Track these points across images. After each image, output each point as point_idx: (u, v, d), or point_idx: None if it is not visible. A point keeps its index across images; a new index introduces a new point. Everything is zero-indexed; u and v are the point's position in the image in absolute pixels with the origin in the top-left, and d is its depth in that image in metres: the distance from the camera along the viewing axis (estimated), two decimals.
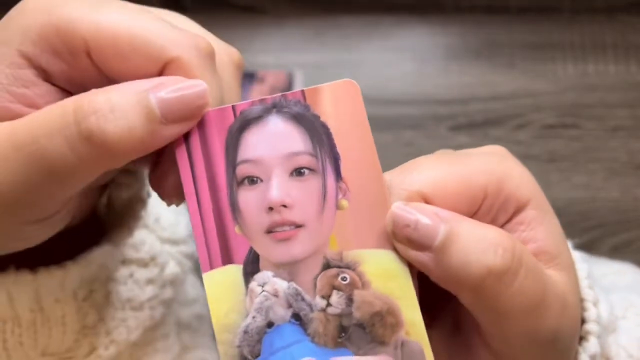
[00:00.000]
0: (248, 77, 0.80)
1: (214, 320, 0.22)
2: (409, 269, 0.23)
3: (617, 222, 0.78)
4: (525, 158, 0.80)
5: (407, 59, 0.82)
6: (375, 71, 0.81)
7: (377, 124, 0.79)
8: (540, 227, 0.24)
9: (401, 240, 0.22)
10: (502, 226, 0.24)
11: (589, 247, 0.77)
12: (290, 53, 0.82)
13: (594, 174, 0.79)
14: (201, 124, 0.23)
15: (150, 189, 0.28)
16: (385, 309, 0.22)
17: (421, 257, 0.22)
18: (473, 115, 0.80)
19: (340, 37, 0.83)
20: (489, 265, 0.22)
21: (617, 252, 0.77)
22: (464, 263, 0.22)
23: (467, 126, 0.80)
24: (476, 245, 0.22)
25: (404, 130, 0.80)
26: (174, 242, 0.35)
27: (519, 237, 0.24)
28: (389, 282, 0.22)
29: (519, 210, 0.24)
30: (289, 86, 0.81)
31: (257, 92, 0.81)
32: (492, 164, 0.24)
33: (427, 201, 0.23)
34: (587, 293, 0.26)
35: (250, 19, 0.83)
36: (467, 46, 0.83)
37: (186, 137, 0.23)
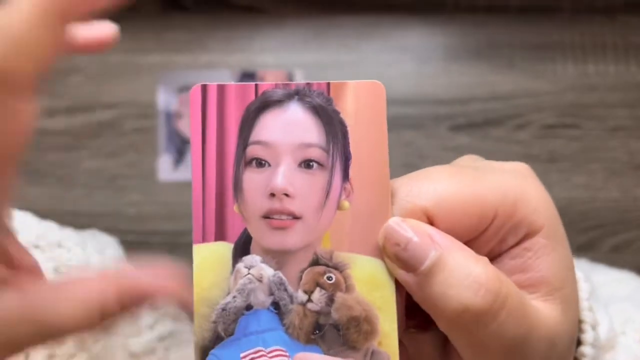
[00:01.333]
0: (248, 77, 0.80)
1: (195, 292, 0.22)
2: (397, 283, 0.23)
3: (617, 222, 0.78)
4: (525, 158, 0.80)
5: (407, 59, 0.82)
6: (375, 71, 0.81)
7: None
8: (548, 257, 0.23)
9: (390, 257, 0.22)
10: (509, 249, 0.24)
11: (589, 247, 0.77)
12: (290, 53, 0.82)
13: (594, 174, 0.79)
14: (221, 96, 0.23)
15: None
16: (363, 315, 0.22)
17: (405, 277, 0.22)
18: (473, 115, 0.80)
19: (340, 37, 0.83)
20: (467, 303, 0.21)
21: (617, 252, 0.77)
22: (444, 295, 0.21)
23: (467, 126, 0.80)
24: (460, 280, 0.21)
25: (403, 130, 0.80)
26: None
27: (524, 263, 0.23)
28: (373, 290, 0.22)
29: (529, 235, 0.24)
30: None
31: None
32: (510, 183, 0.23)
33: (430, 216, 0.23)
34: (586, 315, 0.25)
35: (250, 19, 0.83)
36: (467, 46, 0.83)
37: (204, 105, 0.23)
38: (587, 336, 0.25)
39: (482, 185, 0.23)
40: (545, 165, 0.79)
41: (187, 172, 0.80)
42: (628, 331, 0.29)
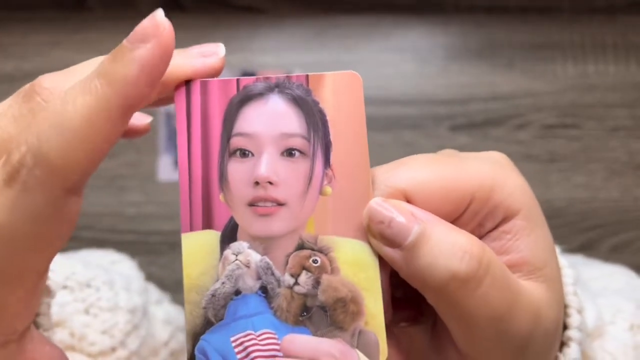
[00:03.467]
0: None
1: (185, 280, 0.23)
2: (382, 264, 0.23)
3: (617, 222, 0.78)
4: (525, 158, 0.80)
5: (407, 59, 0.82)
6: (375, 71, 0.81)
7: (377, 124, 0.79)
8: (527, 238, 0.24)
9: (375, 235, 0.23)
10: (488, 232, 0.24)
11: (588, 247, 0.77)
12: (290, 53, 0.82)
13: (594, 174, 0.79)
14: (204, 91, 0.24)
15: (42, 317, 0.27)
16: (349, 296, 0.23)
17: (392, 254, 0.23)
18: (473, 116, 0.80)
19: (340, 37, 0.83)
20: (453, 270, 0.22)
21: (617, 252, 0.77)
22: (430, 265, 0.22)
23: (467, 126, 0.80)
24: (445, 250, 0.22)
25: (403, 130, 0.80)
26: (104, 353, 0.36)
27: (504, 245, 0.24)
28: (358, 272, 0.23)
29: (507, 219, 0.24)
30: None
31: None
32: (486, 170, 0.24)
33: (409, 200, 0.23)
34: (571, 300, 0.26)
35: (250, 19, 0.83)
36: (467, 46, 0.83)
37: (188, 100, 0.24)
38: (573, 320, 0.26)
39: (459, 171, 0.24)
40: (545, 165, 0.79)
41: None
42: (618, 321, 0.30)
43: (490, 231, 0.24)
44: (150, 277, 0.45)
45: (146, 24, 0.22)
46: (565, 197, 0.78)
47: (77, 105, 0.20)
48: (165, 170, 0.79)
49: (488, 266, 0.22)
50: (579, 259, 0.44)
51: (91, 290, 0.37)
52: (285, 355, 0.23)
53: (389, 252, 0.23)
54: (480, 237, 0.25)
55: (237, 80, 0.24)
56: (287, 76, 0.24)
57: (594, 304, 0.29)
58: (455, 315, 0.23)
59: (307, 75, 0.24)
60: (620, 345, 0.28)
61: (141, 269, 0.46)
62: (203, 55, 0.24)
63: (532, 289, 0.24)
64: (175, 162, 0.80)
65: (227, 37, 0.82)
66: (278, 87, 0.24)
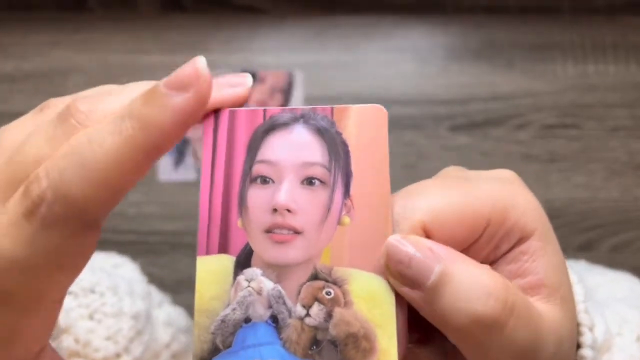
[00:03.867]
0: None
1: (196, 303, 0.23)
2: (399, 301, 0.23)
3: (617, 222, 0.78)
4: (525, 158, 0.80)
5: (407, 59, 0.82)
6: (375, 71, 0.81)
7: None
8: (543, 259, 0.24)
9: (394, 275, 0.22)
10: (504, 254, 0.24)
11: (588, 247, 0.77)
12: (290, 53, 0.82)
13: (594, 174, 0.79)
14: (232, 120, 0.24)
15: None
16: (362, 332, 0.22)
17: (411, 294, 0.22)
18: (473, 116, 0.80)
19: (340, 37, 0.83)
20: (478, 314, 0.21)
21: (617, 252, 0.77)
22: (452, 307, 0.21)
23: (467, 126, 0.80)
24: (468, 291, 0.21)
25: (403, 130, 0.80)
26: (108, 359, 0.36)
27: (521, 267, 0.24)
28: (372, 307, 0.23)
29: (522, 240, 0.24)
30: (289, 86, 0.81)
31: (258, 92, 0.81)
32: (498, 191, 0.24)
33: (426, 230, 0.23)
34: (583, 317, 0.26)
35: (250, 19, 0.83)
36: (467, 46, 0.83)
37: (215, 128, 0.24)
38: (586, 338, 0.25)
39: (473, 195, 0.23)
40: (545, 165, 0.79)
41: (187, 172, 0.80)
42: (624, 332, 0.30)
43: (505, 253, 0.24)
44: (150, 277, 0.45)
45: (186, 71, 0.21)
46: (565, 197, 0.78)
47: (104, 145, 0.20)
48: (166, 170, 0.79)
49: (513, 306, 0.22)
50: (582, 265, 0.44)
51: (95, 296, 0.37)
52: None
53: (408, 292, 0.22)
54: (496, 260, 0.24)
55: (264, 110, 0.25)
56: (313, 108, 0.24)
57: (602, 316, 0.29)
58: (478, 355, 0.22)
59: (332, 108, 0.24)
60: (628, 357, 0.28)
61: (142, 270, 0.46)
62: (231, 86, 0.24)
63: (552, 314, 0.23)
64: (175, 162, 0.80)
65: (227, 37, 0.82)
66: (303, 117, 0.24)
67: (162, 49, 0.80)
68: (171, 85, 0.21)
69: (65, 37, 0.82)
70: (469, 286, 0.21)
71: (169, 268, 0.75)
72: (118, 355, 0.36)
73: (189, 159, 0.80)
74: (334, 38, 0.83)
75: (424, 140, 0.80)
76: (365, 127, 0.24)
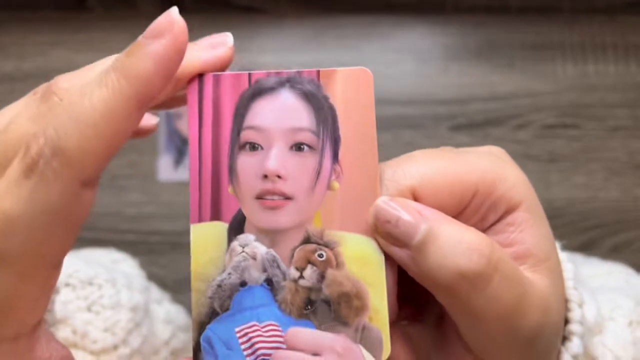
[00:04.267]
0: None
1: (192, 268, 0.24)
2: (387, 260, 0.24)
3: (617, 222, 0.78)
4: (525, 158, 0.80)
5: (407, 59, 0.82)
6: (375, 71, 0.81)
7: (377, 124, 0.79)
8: (530, 230, 0.24)
9: (382, 234, 0.23)
10: (491, 225, 0.25)
11: (588, 247, 0.77)
12: (290, 53, 0.82)
13: (594, 174, 0.79)
14: (217, 85, 0.24)
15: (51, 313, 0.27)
16: (354, 291, 0.23)
17: (399, 253, 0.23)
18: (473, 115, 0.80)
19: (340, 37, 0.83)
20: (462, 269, 0.22)
21: (617, 252, 0.77)
22: (438, 264, 0.22)
23: (467, 126, 0.80)
24: (452, 248, 0.22)
25: (403, 130, 0.80)
26: (106, 351, 0.36)
27: (508, 238, 0.24)
28: (363, 267, 0.23)
29: (509, 211, 0.24)
30: None
31: None
32: (487, 164, 0.24)
33: (416, 196, 0.24)
34: (571, 294, 0.26)
35: (250, 19, 0.83)
36: (466, 46, 0.83)
37: (200, 94, 0.24)
38: (575, 314, 0.26)
39: (463, 165, 0.24)
40: (545, 165, 0.79)
41: (187, 172, 0.80)
42: (617, 317, 0.30)
43: (493, 224, 0.25)
44: (150, 276, 0.46)
45: (161, 20, 0.22)
46: (565, 197, 0.78)
47: (93, 98, 0.21)
48: (165, 170, 0.79)
49: (497, 263, 0.22)
50: (578, 258, 0.44)
51: (93, 288, 0.37)
52: (289, 348, 0.23)
53: (396, 251, 0.23)
54: (484, 231, 0.25)
55: (249, 74, 0.24)
56: (298, 71, 0.24)
57: (594, 299, 0.29)
58: (465, 313, 0.23)
59: (319, 71, 0.24)
60: (620, 341, 0.28)
61: (142, 269, 0.46)
62: (212, 47, 0.24)
63: (539, 282, 0.24)
64: (175, 162, 0.80)
65: None
66: (289, 81, 0.24)
67: None
68: (148, 35, 0.22)
69: (65, 37, 0.82)
70: (454, 243, 0.22)
71: (169, 268, 0.75)
72: (116, 346, 0.37)
73: (188, 159, 0.80)
74: (333, 38, 0.83)
75: (424, 140, 0.80)
76: (352, 91, 0.24)
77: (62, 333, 0.35)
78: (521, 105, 0.80)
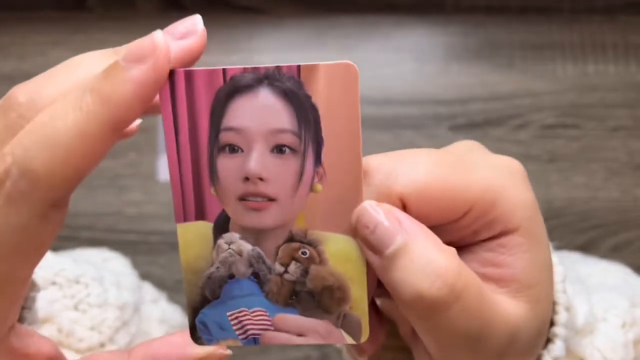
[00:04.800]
0: None
1: (182, 263, 0.24)
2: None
3: (616, 222, 0.78)
4: (525, 158, 0.80)
5: (407, 59, 0.82)
6: (375, 71, 0.81)
7: (377, 124, 0.79)
8: (522, 255, 0.24)
9: (360, 237, 0.23)
10: (484, 241, 0.24)
11: (588, 247, 0.77)
12: (290, 53, 0.82)
13: (594, 174, 0.79)
14: (189, 81, 0.23)
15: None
16: (336, 285, 0.24)
17: (372, 259, 0.23)
18: (473, 116, 0.80)
19: (340, 37, 0.83)
20: (422, 292, 0.22)
21: (617, 252, 0.77)
22: (401, 280, 0.22)
23: (467, 126, 0.80)
24: (419, 268, 0.22)
25: (403, 130, 0.80)
26: (93, 349, 0.36)
27: (497, 258, 0.24)
28: (345, 263, 0.24)
29: (504, 233, 0.24)
30: None
31: None
32: (490, 182, 0.24)
33: (404, 202, 0.23)
34: (559, 297, 0.26)
35: (250, 19, 0.83)
36: (467, 46, 0.83)
37: (172, 90, 0.23)
38: (560, 317, 0.26)
39: (462, 179, 0.23)
40: (545, 165, 0.79)
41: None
42: (610, 317, 0.30)
43: (485, 241, 0.24)
44: (150, 276, 0.46)
45: (143, 43, 0.21)
46: (565, 197, 0.78)
47: (67, 121, 0.20)
48: (165, 170, 0.79)
49: (460, 294, 0.22)
50: (577, 256, 0.44)
51: (80, 287, 0.37)
52: (276, 330, 0.24)
53: (370, 256, 0.23)
54: (474, 244, 0.24)
55: (224, 70, 0.23)
56: (277, 67, 0.23)
57: (587, 300, 0.29)
58: (423, 333, 0.23)
59: (299, 66, 0.23)
60: (610, 342, 0.28)
61: (140, 268, 0.46)
62: (181, 37, 0.22)
63: (511, 310, 0.23)
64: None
65: (227, 37, 0.82)
66: (268, 79, 0.23)
67: None
68: (128, 58, 0.21)
69: (65, 37, 0.82)
70: (423, 264, 0.22)
71: (169, 268, 0.75)
72: (102, 344, 0.37)
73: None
74: (334, 38, 0.83)
75: (424, 140, 0.80)
76: (335, 87, 0.22)
77: (47, 332, 0.35)
78: (521, 105, 0.80)
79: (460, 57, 0.82)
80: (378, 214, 0.23)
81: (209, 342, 0.25)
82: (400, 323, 0.29)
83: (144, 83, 0.21)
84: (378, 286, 0.25)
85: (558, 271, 0.26)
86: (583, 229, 0.78)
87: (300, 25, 0.83)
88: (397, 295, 0.23)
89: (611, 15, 0.83)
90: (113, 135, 0.21)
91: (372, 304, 0.26)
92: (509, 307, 0.23)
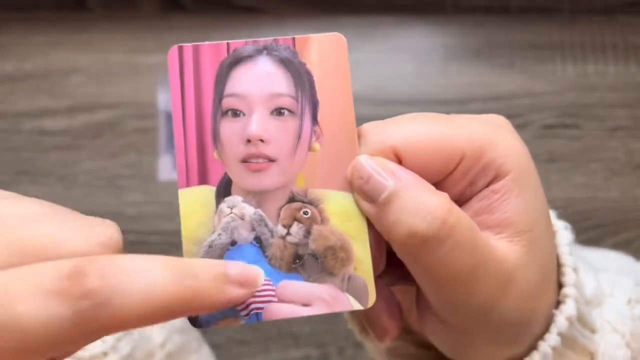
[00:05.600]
0: None
1: (183, 232, 0.25)
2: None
3: (616, 221, 0.78)
4: None
5: (407, 59, 0.82)
6: (375, 71, 0.81)
7: None
8: (515, 200, 0.24)
9: (355, 189, 0.24)
10: (479, 191, 0.25)
11: (588, 246, 0.77)
12: None
13: (594, 174, 0.79)
14: (197, 55, 0.25)
15: None
16: (338, 244, 0.25)
17: (367, 208, 0.24)
18: None
19: None
20: (413, 228, 0.23)
21: (617, 251, 0.77)
22: (394, 222, 0.23)
23: None
24: (411, 208, 0.23)
25: None
26: (95, 357, 0.36)
27: (490, 205, 0.24)
28: (346, 221, 0.25)
29: (497, 178, 0.24)
30: None
31: None
32: (478, 129, 0.25)
33: (398, 155, 0.24)
34: (566, 259, 0.26)
35: (251, 19, 0.83)
36: (466, 46, 0.83)
37: (181, 64, 0.25)
38: (569, 278, 0.26)
39: (450, 129, 0.24)
40: (545, 165, 0.79)
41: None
42: (616, 294, 0.30)
43: (481, 189, 0.25)
44: None
45: (251, 274, 0.22)
46: (565, 197, 0.78)
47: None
48: (165, 170, 0.79)
49: (452, 228, 0.23)
50: (577, 248, 0.45)
51: None
52: (280, 300, 0.24)
53: (365, 206, 0.24)
54: (471, 196, 0.25)
55: (227, 44, 0.25)
56: (275, 39, 0.25)
57: (595, 276, 0.29)
58: (418, 273, 0.24)
59: (294, 38, 0.25)
60: (619, 315, 0.28)
61: None
62: (240, 285, 0.22)
63: (507, 253, 0.24)
64: (175, 162, 0.80)
65: (227, 37, 0.82)
66: (266, 49, 0.25)
67: (162, 49, 0.80)
68: (236, 280, 0.22)
69: (65, 37, 0.82)
70: (414, 204, 0.23)
71: None
72: (105, 353, 0.37)
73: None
74: None
75: None
76: (327, 56, 0.26)
77: None
78: (521, 105, 0.80)
79: (460, 57, 0.82)
80: (371, 165, 0.24)
81: (207, 324, 0.24)
82: (407, 311, 0.29)
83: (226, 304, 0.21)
84: (387, 270, 0.26)
85: (563, 235, 0.27)
86: (583, 229, 0.78)
87: (300, 25, 0.83)
88: (392, 237, 0.23)
89: (611, 15, 0.83)
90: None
91: (387, 288, 0.27)
92: (504, 251, 0.24)
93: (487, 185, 0.25)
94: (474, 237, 0.23)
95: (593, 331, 0.27)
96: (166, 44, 0.81)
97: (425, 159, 0.24)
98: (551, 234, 0.26)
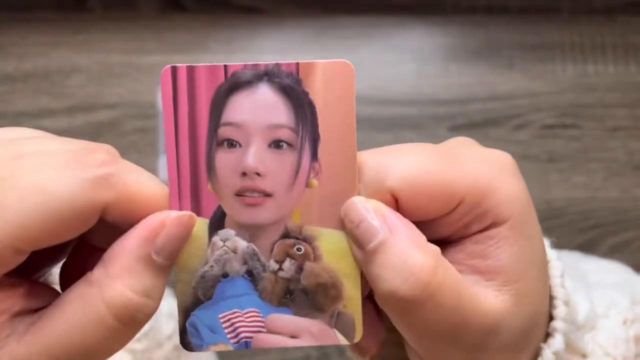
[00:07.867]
0: None
1: (177, 261, 0.24)
2: None
3: (616, 221, 0.78)
4: (524, 158, 0.80)
5: (407, 60, 0.82)
6: (375, 71, 0.81)
7: (377, 124, 0.79)
8: (510, 248, 0.24)
9: (347, 232, 0.24)
10: (473, 234, 0.24)
11: (588, 246, 0.77)
12: (290, 53, 0.83)
13: (594, 174, 0.79)
14: (191, 77, 0.24)
15: None
16: (330, 282, 0.24)
17: (356, 252, 0.24)
18: (472, 116, 0.80)
19: (340, 37, 0.83)
20: (394, 288, 0.22)
21: (616, 251, 0.77)
22: (378, 275, 0.23)
23: (467, 126, 0.80)
24: (395, 265, 0.22)
25: (403, 131, 0.80)
26: None
27: (484, 250, 0.24)
28: (339, 259, 0.24)
29: (494, 225, 0.24)
30: None
31: None
32: (481, 174, 0.24)
33: (395, 196, 0.24)
34: (558, 291, 0.26)
35: (251, 19, 0.83)
36: (466, 47, 0.83)
37: (174, 86, 0.24)
38: (559, 311, 0.26)
39: (452, 172, 0.24)
40: (545, 165, 0.79)
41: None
42: (611, 314, 0.30)
43: (475, 233, 0.24)
44: None
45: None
46: (564, 197, 0.78)
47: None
48: (166, 170, 0.79)
49: (434, 291, 0.22)
50: (576, 255, 0.44)
51: None
52: (269, 332, 0.24)
53: (355, 250, 0.24)
54: (464, 237, 0.25)
55: (225, 67, 0.24)
56: (277, 64, 0.24)
57: (588, 297, 0.29)
58: (400, 327, 0.24)
59: (298, 63, 0.24)
60: (612, 338, 0.28)
61: None
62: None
63: (493, 304, 0.24)
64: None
65: (227, 37, 0.82)
66: (267, 75, 0.24)
67: (162, 49, 0.80)
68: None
69: (65, 37, 0.82)
70: (399, 261, 0.22)
71: None
72: None
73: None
74: (333, 38, 0.83)
75: (423, 141, 0.79)
76: (332, 85, 0.24)
77: None
78: (521, 106, 0.81)
79: (460, 57, 0.82)
80: (364, 209, 0.23)
81: (199, 347, 0.24)
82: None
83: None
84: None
85: (556, 266, 0.26)
86: (583, 229, 0.78)
87: (300, 25, 0.83)
88: (375, 290, 0.23)
89: (611, 16, 0.83)
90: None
91: (372, 303, 0.26)
92: (490, 301, 0.24)
93: (483, 230, 0.24)
94: (458, 296, 0.23)
95: (584, 356, 0.27)
96: (166, 44, 0.81)
97: (422, 202, 0.23)
98: (545, 277, 0.26)
